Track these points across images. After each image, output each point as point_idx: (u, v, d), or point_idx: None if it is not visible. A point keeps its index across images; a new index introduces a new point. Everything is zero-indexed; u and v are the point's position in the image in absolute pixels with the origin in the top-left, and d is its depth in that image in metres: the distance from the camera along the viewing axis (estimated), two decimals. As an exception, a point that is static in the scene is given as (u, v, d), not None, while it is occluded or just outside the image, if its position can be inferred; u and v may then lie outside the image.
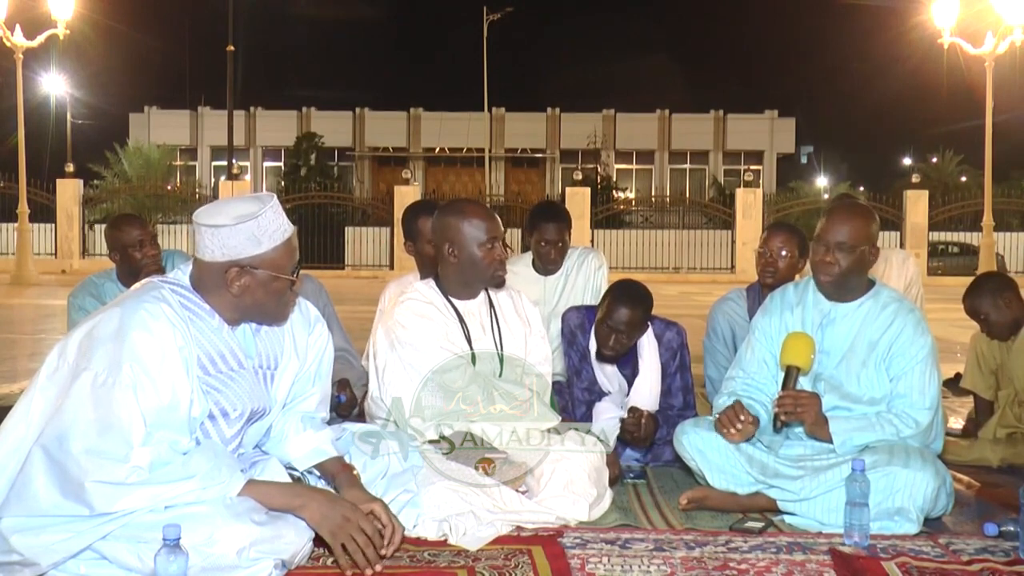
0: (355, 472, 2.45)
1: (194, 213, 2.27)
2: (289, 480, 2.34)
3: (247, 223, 2.20)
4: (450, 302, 3.03)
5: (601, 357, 3.47)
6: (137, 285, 2.32)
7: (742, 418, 2.80)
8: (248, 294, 2.25)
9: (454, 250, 2.97)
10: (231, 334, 2.31)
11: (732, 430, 2.80)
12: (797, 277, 3.79)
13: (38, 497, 1.99)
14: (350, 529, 2.18)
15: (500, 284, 3.10)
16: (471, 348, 2.98)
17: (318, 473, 2.45)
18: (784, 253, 3.83)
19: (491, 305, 3.10)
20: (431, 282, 3.08)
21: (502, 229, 3.02)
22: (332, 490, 2.37)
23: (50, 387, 2.12)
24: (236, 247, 2.21)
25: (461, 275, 3.01)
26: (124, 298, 2.25)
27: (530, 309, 3.23)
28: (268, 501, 2.15)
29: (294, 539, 2.14)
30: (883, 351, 2.86)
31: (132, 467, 2.02)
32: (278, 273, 2.26)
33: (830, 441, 2.80)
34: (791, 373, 2.84)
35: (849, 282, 2.88)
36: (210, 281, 2.26)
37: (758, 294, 3.94)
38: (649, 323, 3.49)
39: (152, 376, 2.10)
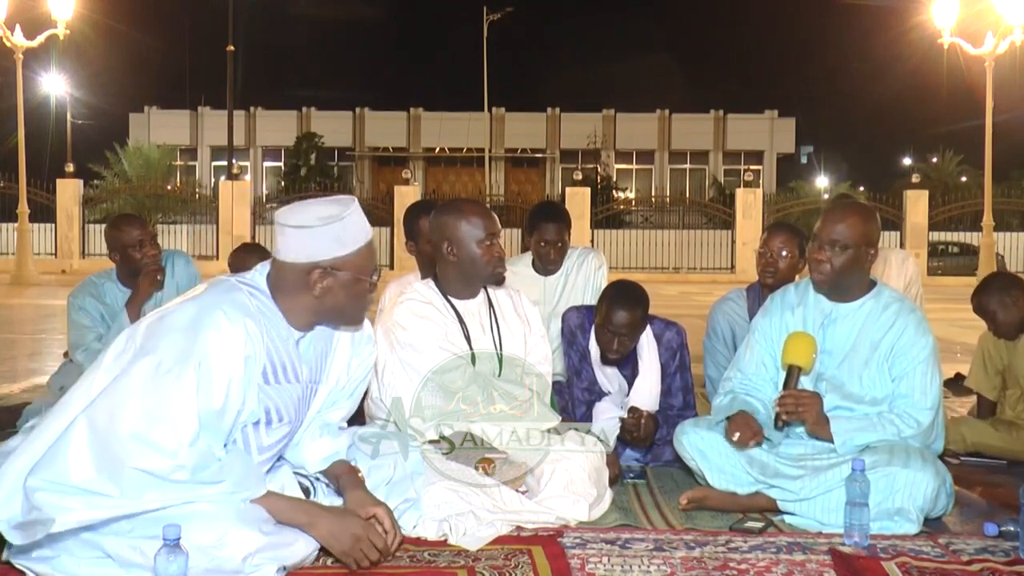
0: (359, 475, 2.45)
1: (276, 214, 2.27)
2: (298, 487, 2.34)
3: (333, 224, 2.20)
4: (449, 302, 3.03)
5: (605, 360, 3.47)
6: (215, 281, 2.29)
7: (757, 439, 2.82)
8: (330, 296, 2.24)
9: (453, 248, 2.97)
10: (296, 347, 2.29)
11: (751, 443, 2.82)
12: (797, 277, 3.79)
13: (70, 468, 1.97)
14: (362, 547, 2.19)
15: (500, 281, 3.10)
16: (471, 348, 2.98)
17: (325, 480, 2.45)
18: (784, 253, 3.83)
19: (490, 305, 3.10)
20: (430, 282, 3.08)
21: (499, 227, 3.03)
22: (337, 495, 2.39)
23: (115, 368, 2.12)
24: (320, 248, 2.20)
25: (461, 274, 3.01)
26: (202, 293, 2.22)
27: (529, 309, 3.23)
28: (277, 514, 2.15)
29: (302, 549, 2.16)
30: (885, 351, 2.85)
31: (177, 464, 2.01)
32: (360, 275, 2.25)
33: (831, 441, 2.79)
34: (792, 373, 2.84)
35: (845, 281, 2.87)
36: (290, 283, 2.24)
37: (758, 294, 3.94)
38: (648, 323, 3.48)
39: (214, 379, 2.09)
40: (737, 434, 2.80)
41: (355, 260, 2.24)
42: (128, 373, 2.06)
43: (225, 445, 2.21)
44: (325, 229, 2.19)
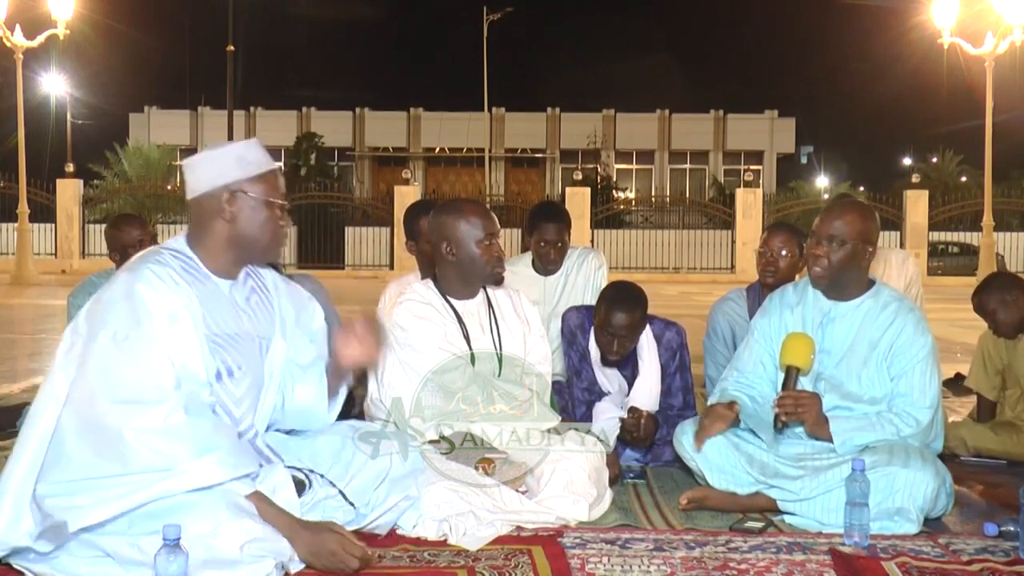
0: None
1: (182, 163, 2.41)
2: (292, 484, 2.33)
3: (233, 146, 2.36)
4: (448, 302, 3.03)
5: (606, 361, 3.47)
6: (138, 254, 2.36)
7: (719, 426, 2.87)
8: (242, 220, 2.32)
9: (452, 248, 2.97)
10: (229, 297, 2.36)
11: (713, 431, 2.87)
12: (797, 277, 3.79)
13: (72, 459, 2.03)
14: (343, 559, 2.18)
15: (499, 281, 3.10)
16: (470, 348, 2.98)
17: (320, 472, 2.44)
18: (784, 253, 3.83)
19: (490, 305, 3.10)
20: (429, 282, 3.08)
21: (498, 226, 3.03)
22: (332, 484, 2.40)
23: (69, 364, 2.16)
24: (226, 170, 2.31)
25: (460, 273, 3.01)
26: (127, 265, 2.30)
27: (529, 308, 3.23)
28: (263, 519, 2.15)
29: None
30: (884, 350, 2.85)
31: (169, 408, 2.08)
32: (269, 197, 2.34)
33: (831, 441, 2.79)
34: (791, 373, 2.83)
35: (842, 278, 2.87)
36: (204, 218, 2.32)
37: (758, 294, 3.94)
38: (648, 323, 3.48)
39: (168, 328, 2.16)
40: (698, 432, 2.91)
41: (262, 185, 2.35)
42: (90, 354, 2.11)
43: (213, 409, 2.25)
44: (226, 150, 2.34)
